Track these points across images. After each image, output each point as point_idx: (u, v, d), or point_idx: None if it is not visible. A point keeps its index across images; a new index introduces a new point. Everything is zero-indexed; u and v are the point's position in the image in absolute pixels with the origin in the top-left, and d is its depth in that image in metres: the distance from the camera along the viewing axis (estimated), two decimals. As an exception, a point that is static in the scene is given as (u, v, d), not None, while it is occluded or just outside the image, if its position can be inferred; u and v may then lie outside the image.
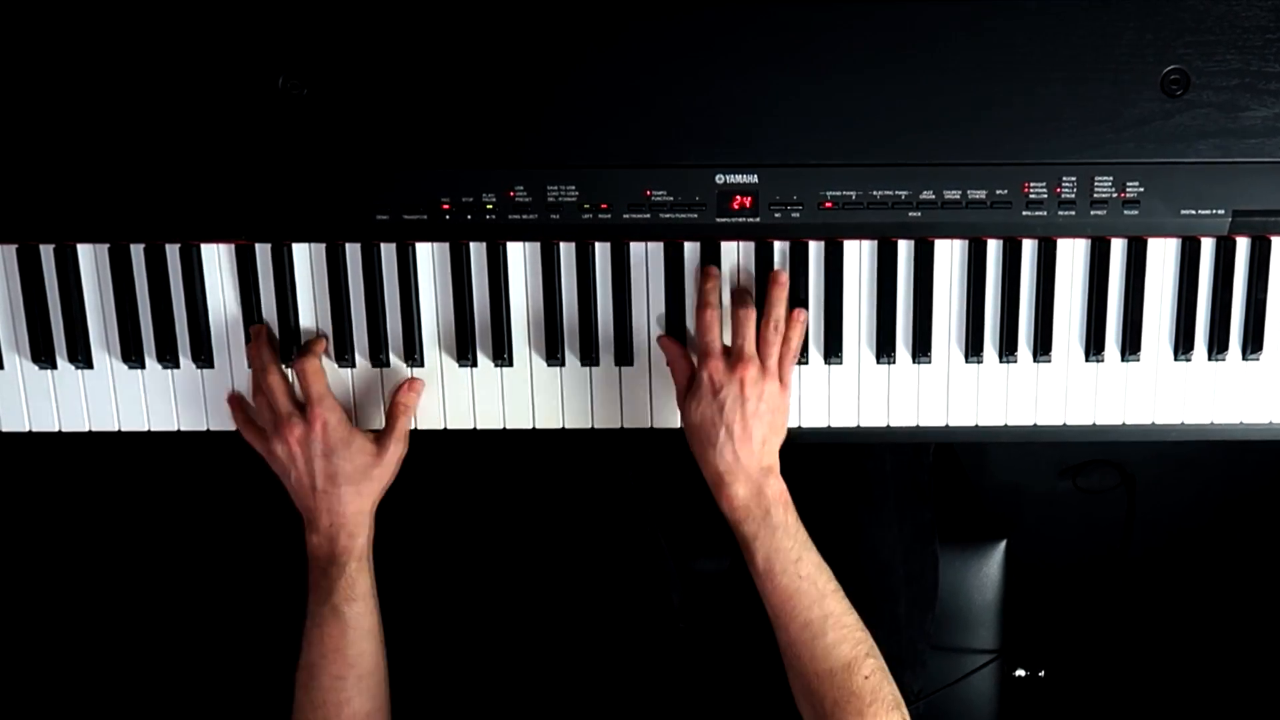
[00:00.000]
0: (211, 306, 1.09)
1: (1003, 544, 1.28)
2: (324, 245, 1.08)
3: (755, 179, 1.05)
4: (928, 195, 1.05)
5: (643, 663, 1.20)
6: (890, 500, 1.21)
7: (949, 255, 1.08)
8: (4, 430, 1.12)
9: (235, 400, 1.09)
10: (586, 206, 1.06)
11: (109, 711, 1.70)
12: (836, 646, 0.96)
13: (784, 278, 1.06)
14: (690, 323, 1.08)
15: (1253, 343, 1.09)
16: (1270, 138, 1.03)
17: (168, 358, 1.09)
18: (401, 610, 1.08)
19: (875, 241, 1.08)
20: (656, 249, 1.08)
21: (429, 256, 1.08)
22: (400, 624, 1.07)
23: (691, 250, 1.08)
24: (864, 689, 0.94)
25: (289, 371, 1.06)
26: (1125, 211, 1.06)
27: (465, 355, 1.09)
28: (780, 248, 1.07)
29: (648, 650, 1.20)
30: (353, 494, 1.02)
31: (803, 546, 1.00)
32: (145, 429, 1.12)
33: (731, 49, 1.03)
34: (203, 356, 1.09)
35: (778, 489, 1.01)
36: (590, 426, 1.11)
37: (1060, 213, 1.06)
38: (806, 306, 1.08)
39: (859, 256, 1.08)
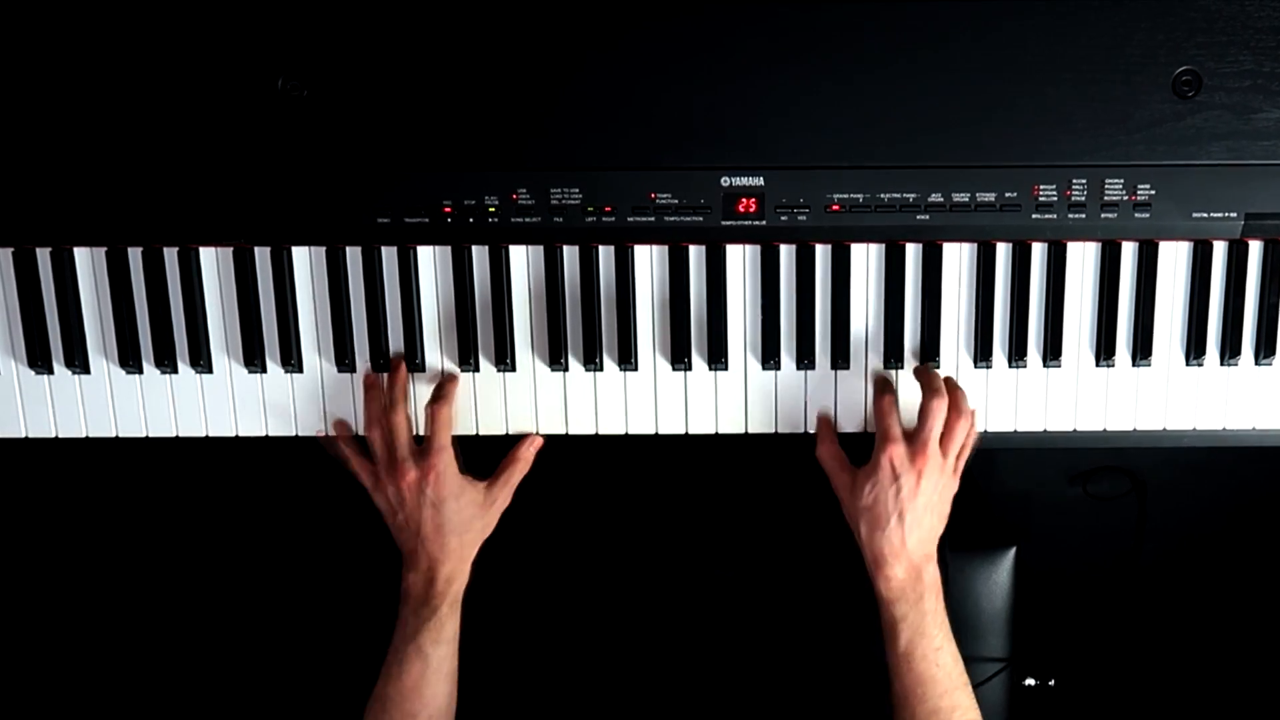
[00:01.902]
0: (210, 311, 1.09)
1: (1012, 551, 1.27)
2: (324, 248, 1.08)
3: (761, 181, 1.05)
4: (936, 198, 1.05)
5: (649, 669, 1.20)
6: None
7: (957, 258, 1.07)
8: (0, 437, 1.11)
9: (341, 426, 1.10)
10: (590, 209, 1.05)
11: (104, 714, 1.70)
12: None
13: (962, 389, 1.06)
14: (695, 327, 1.08)
15: (1265, 347, 1.08)
16: (1283, 140, 1.03)
17: (166, 363, 1.09)
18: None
19: (883, 245, 1.07)
20: (661, 252, 1.07)
21: (430, 260, 1.08)
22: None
23: (696, 253, 1.07)
24: None
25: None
26: (1136, 214, 1.05)
27: (467, 360, 1.09)
28: (786, 251, 1.07)
29: (654, 656, 1.20)
30: (456, 542, 1.05)
31: (945, 637, 1.03)
32: (143, 435, 1.11)
33: (737, 50, 1.02)
34: (201, 362, 1.09)
35: (933, 576, 1.04)
36: (595, 432, 1.11)
37: (1070, 215, 1.05)
38: (813, 311, 1.07)
39: (866, 260, 1.07)
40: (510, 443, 1.11)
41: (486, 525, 1.07)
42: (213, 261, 1.08)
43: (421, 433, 1.08)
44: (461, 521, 1.04)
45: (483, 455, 1.10)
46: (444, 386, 1.07)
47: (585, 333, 1.08)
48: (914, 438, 1.03)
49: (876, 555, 1.03)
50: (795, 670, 1.20)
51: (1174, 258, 1.07)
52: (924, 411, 1.03)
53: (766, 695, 1.20)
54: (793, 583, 1.22)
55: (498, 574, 1.23)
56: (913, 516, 1.01)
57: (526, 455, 1.09)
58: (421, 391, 1.09)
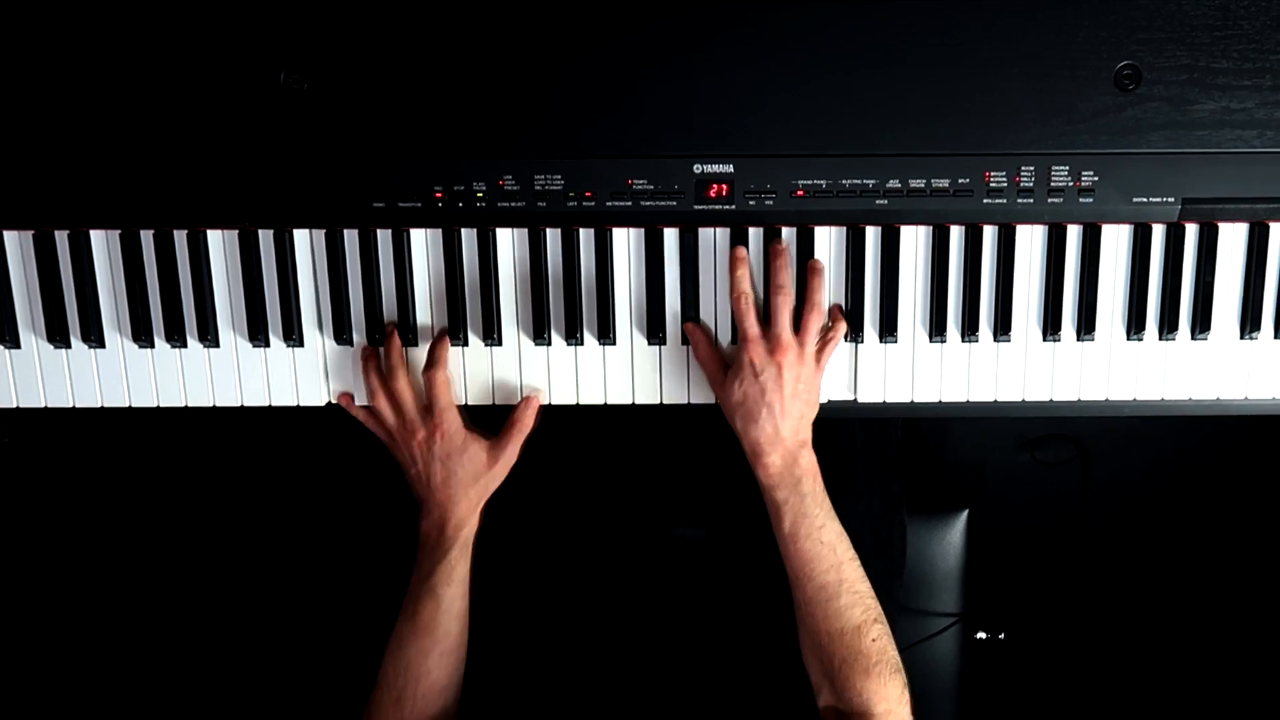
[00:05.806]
0: (217, 289, 1.12)
1: (965, 514, 1.30)
2: (324, 231, 1.11)
3: (731, 168, 1.09)
4: (894, 184, 1.09)
5: (619, 629, 1.23)
6: (859, 473, 1.23)
7: (914, 241, 1.11)
8: (21, 406, 1.15)
9: (346, 398, 1.14)
10: (571, 195, 1.09)
11: (120, 674, 1.72)
12: (849, 610, 1.02)
13: (821, 265, 1.10)
14: (670, 304, 1.12)
15: (1200, 323, 1.12)
16: (1217, 129, 1.07)
17: (175, 338, 1.12)
18: (396, 590, 1.13)
19: (844, 228, 1.11)
20: (638, 234, 1.11)
21: (423, 242, 1.12)
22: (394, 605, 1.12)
23: (671, 236, 1.11)
24: (871, 650, 1.00)
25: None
26: (1081, 200, 1.09)
27: (457, 336, 1.12)
28: (755, 234, 1.11)
29: (625, 617, 1.23)
30: (463, 493, 1.09)
31: (827, 515, 1.06)
32: (154, 405, 1.15)
33: (709, 46, 1.06)
34: (209, 337, 1.13)
35: (809, 461, 1.07)
36: (576, 403, 1.15)
37: (1019, 201, 1.09)
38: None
39: (829, 242, 1.11)
40: (498, 413, 1.13)
41: (494, 477, 1.11)
42: (220, 243, 1.12)
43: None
44: (468, 474, 1.09)
45: (493, 418, 1.15)
46: (435, 351, 1.10)
47: (567, 310, 1.12)
48: (769, 333, 1.07)
49: (753, 446, 1.06)
50: (766, 630, 1.20)
51: (1116, 240, 1.11)
52: (773, 307, 1.08)
53: (742, 656, 1.21)
54: (763, 543, 1.23)
55: (492, 539, 1.27)
56: (781, 406, 1.05)
57: (524, 416, 1.12)
58: (416, 360, 1.12)
